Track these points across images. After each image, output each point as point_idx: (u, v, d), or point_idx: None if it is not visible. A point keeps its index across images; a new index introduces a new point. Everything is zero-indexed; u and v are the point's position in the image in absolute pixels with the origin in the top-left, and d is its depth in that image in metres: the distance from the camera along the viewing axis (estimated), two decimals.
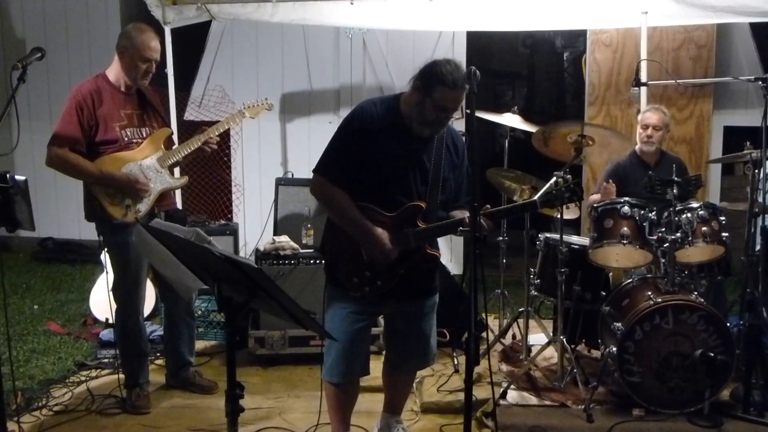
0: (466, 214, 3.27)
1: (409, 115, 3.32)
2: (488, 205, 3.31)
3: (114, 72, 4.20)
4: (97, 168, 4.04)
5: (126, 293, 4.29)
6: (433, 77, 3.20)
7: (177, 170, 4.93)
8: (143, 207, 4.15)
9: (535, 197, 3.48)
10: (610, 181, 4.91)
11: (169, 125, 4.50)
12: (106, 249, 4.34)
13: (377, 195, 3.34)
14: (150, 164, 4.19)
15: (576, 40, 10.26)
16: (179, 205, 6.28)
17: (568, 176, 4.04)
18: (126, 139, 4.15)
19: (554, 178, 4.18)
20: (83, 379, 4.69)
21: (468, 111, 2.93)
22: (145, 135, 4.24)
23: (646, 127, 5.07)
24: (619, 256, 4.50)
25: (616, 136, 4.58)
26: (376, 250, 3.30)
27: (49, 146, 4.03)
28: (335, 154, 3.37)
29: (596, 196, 4.98)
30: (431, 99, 3.22)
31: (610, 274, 4.84)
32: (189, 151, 4.29)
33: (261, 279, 2.34)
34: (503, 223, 5.29)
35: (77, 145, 4.03)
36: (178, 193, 6.27)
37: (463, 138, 3.58)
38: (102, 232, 4.20)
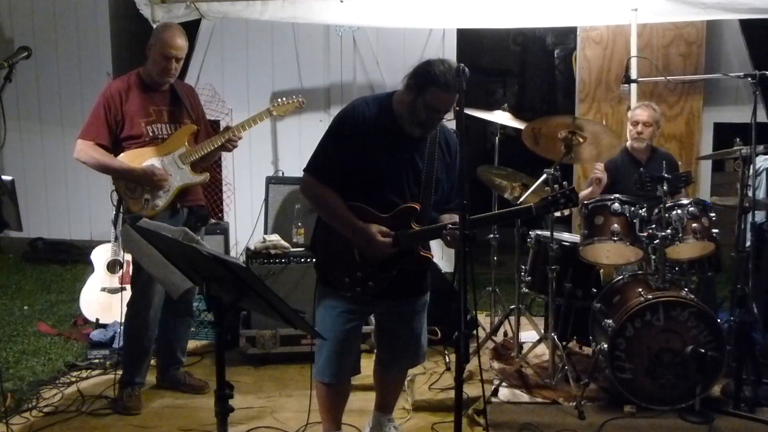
0: (455, 218, 3.25)
1: (401, 115, 3.29)
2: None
3: (146, 70, 4.28)
4: (119, 163, 4.15)
5: (141, 287, 4.31)
6: (427, 77, 3.16)
7: None
8: (160, 201, 4.20)
9: (528, 200, 3.48)
10: (602, 168, 4.92)
11: (203, 123, 4.52)
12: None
13: (370, 195, 3.31)
14: (171, 160, 4.24)
15: (566, 37, 10.26)
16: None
17: (558, 173, 4.06)
18: (151, 134, 4.22)
19: (544, 176, 4.21)
20: (73, 380, 4.67)
21: (458, 109, 2.91)
22: (172, 131, 4.30)
23: (636, 123, 5.08)
24: (610, 253, 4.51)
25: (606, 133, 4.59)
26: (370, 245, 3.27)
27: (77, 141, 4.19)
28: (326, 153, 3.35)
29: (586, 192, 4.99)
30: (423, 99, 3.18)
31: (601, 270, 4.85)
32: (212, 148, 4.32)
33: (249, 278, 2.34)
34: None
35: (102, 140, 4.16)
36: None
37: (457, 137, 3.56)
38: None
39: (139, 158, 4.17)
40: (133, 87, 4.24)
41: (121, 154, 4.17)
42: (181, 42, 4.21)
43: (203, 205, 4.57)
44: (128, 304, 4.37)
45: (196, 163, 4.34)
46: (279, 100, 4.58)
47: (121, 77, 4.31)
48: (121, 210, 4.28)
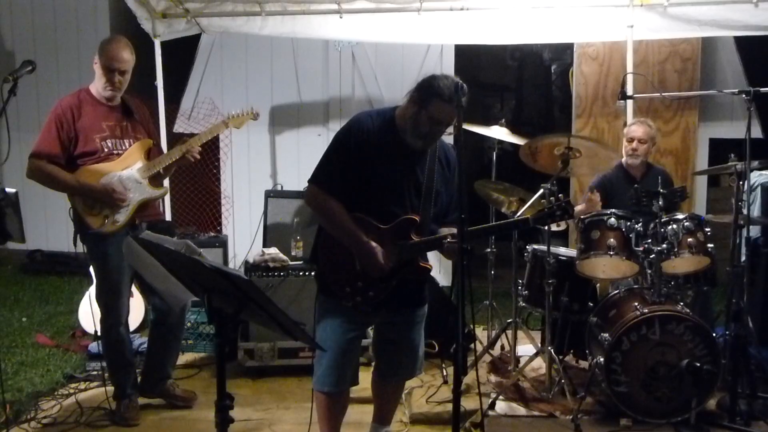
0: (454, 231, 3.28)
1: (403, 128, 3.35)
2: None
3: (95, 85, 4.25)
4: (75, 179, 4.09)
5: (105, 303, 4.30)
6: (431, 90, 3.24)
7: (167, 181, 4.91)
8: (121, 217, 4.16)
9: (527, 214, 3.51)
10: (595, 191, 4.94)
11: (155, 137, 4.50)
12: (89, 260, 4.36)
13: (372, 206, 3.36)
14: (129, 175, 4.20)
15: (563, 53, 10.33)
16: (168, 217, 6.28)
17: (555, 188, 4.10)
18: (106, 150, 4.17)
19: (541, 190, 4.24)
20: (72, 391, 4.67)
21: (456, 124, 2.96)
22: (127, 146, 4.26)
23: (631, 140, 5.11)
24: (606, 267, 4.54)
25: (602, 147, 4.63)
26: (370, 262, 3.32)
27: (29, 159, 4.11)
28: (330, 164, 3.40)
29: (581, 207, 5.02)
30: (426, 111, 3.25)
31: (598, 285, 4.88)
32: (170, 161, 4.28)
33: (251, 290, 2.36)
34: None
35: (55, 158, 4.09)
36: (167, 204, 6.28)
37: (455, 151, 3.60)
38: (83, 241, 4.23)
39: (96, 175, 4.11)
40: (84, 103, 4.19)
41: (78, 171, 4.10)
42: (126, 55, 4.17)
43: (163, 219, 4.55)
44: (100, 322, 4.34)
45: (155, 177, 4.32)
46: (233, 112, 4.55)
47: (70, 93, 4.25)
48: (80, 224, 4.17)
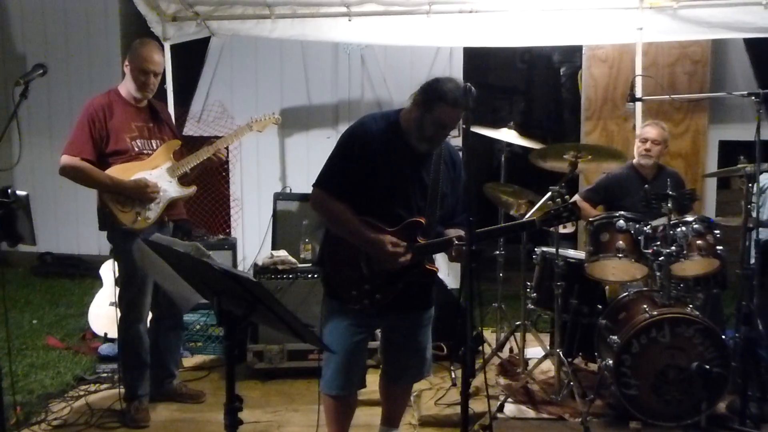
0: (461, 233, 3.29)
1: (408, 130, 3.36)
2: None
3: (125, 86, 4.33)
4: (108, 177, 4.17)
5: (130, 301, 4.35)
6: (435, 94, 3.24)
7: None
8: (152, 214, 4.24)
9: (534, 216, 3.53)
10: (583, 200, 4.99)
11: (180, 139, 4.59)
12: (114, 257, 4.40)
13: (377, 209, 3.36)
14: (159, 174, 4.30)
15: (573, 55, 10.29)
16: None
17: (564, 190, 4.10)
18: (136, 149, 4.27)
19: (549, 193, 4.25)
20: (82, 393, 4.70)
21: (464, 127, 2.96)
22: (155, 146, 4.36)
23: (645, 140, 5.11)
24: (616, 270, 4.53)
25: (611, 152, 4.63)
26: (382, 254, 3.31)
27: (62, 156, 4.18)
28: (335, 167, 3.41)
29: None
30: (431, 115, 3.25)
31: (607, 287, 4.87)
32: (198, 162, 4.40)
33: (260, 292, 2.36)
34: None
35: (88, 155, 4.16)
36: None
37: (461, 153, 3.61)
38: (112, 239, 4.30)
39: (127, 172, 4.20)
40: (115, 103, 4.28)
41: (109, 169, 4.18)
42: (159, 57, 4.28)
43: (186, 219, 4.63)
44: (120, 319, 4.39)
45: (183, 177, 4.40)
46: (256, 116, 4.68)
47: (101, 93, 4.34)
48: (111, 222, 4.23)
